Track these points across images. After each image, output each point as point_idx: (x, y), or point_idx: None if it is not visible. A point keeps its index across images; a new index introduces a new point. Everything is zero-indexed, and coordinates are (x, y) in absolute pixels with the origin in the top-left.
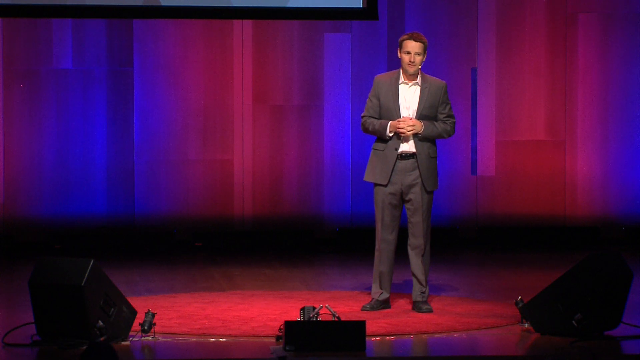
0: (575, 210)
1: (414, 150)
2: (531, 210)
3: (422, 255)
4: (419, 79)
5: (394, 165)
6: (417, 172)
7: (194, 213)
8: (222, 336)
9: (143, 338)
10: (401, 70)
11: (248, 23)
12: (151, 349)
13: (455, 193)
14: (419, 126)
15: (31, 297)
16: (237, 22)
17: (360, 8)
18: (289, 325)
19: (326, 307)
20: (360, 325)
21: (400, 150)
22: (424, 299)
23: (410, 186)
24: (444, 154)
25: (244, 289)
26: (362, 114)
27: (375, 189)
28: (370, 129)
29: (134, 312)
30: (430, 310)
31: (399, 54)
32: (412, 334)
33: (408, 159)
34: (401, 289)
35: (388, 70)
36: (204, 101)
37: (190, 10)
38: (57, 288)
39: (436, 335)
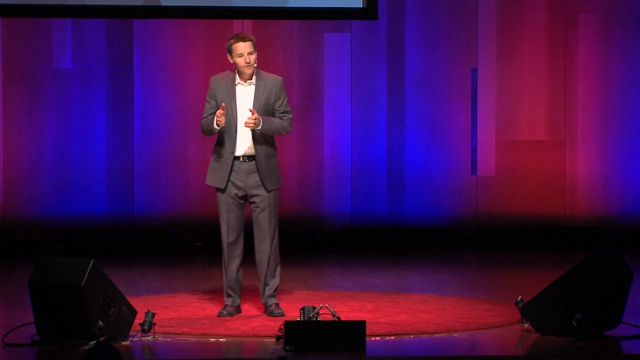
0: (575, 210)
1: (252, 151)
2: (531, 210)
3: (269, 258)
4: (254, 78)
5: (232, 169)
6: (257, 174)
7: (194, 213)
8: (222, 336)
9: (143, 338)
10: (237, 71)
11: (248, 23)
12: (151, 349)
13: (455, 193)
14: (259, 122)
15: (31, 297)
16: (237, 22)
17: (360, 8)
18: (289, 325)
19: (326, 307)
20: (360, 325)
21: (237, 153)
22: (276, 302)
23: (254, 187)
24: (445, 153)
25: (244, 289)
26: (202, 117)
27: (217, 192)
28: (204, 128)
29: (134, 312)
30: (282, 314)
31: (230, 59)
32: (412, 334)
33: (248, 161)
34: (399, 289)
35: (388, 71)
36: (204, 101)
37: (190, 10)
38: (57, 288)
39: (436, 335)
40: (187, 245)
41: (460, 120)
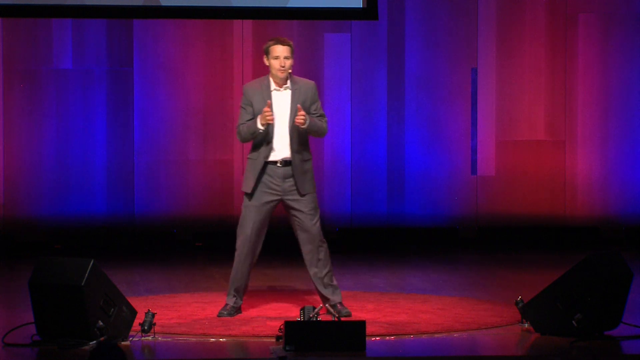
0: (575, 210)
1: (288, 156)
2: (531, 210)
3: (321, 259)
4: (289, 83)
5: (264, 173)
6: (293, 179)
7: (194, 213)
8: (222, 336)
9: (143, 338)
10: (270, 76)
11: (248, 23)
12: (151, 349)
13: (455, 193)
14: (307, 118)
15: (31, 297)
16: (237, 22)
17: (360, 8)
18: (289, 325)
19: (326, 306)
20: (360, 325)
21: (273, 158)
22: (340, 300)
23: (292, 191)
24: (445, 153)
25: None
26: (237, 124)
27: (247, 196)
28: (243, 134)
29: (134, 312)
30: (349, 314)
31: (265, 61)
32: (412, 334)
33: (284, 166)
34: (399, 289)
35: (388, 71)
36: (204, 101)
37: (190, 10)
38: (57, 288)
39: (436, 335)
40: (187, 245)
41: (460, 120)
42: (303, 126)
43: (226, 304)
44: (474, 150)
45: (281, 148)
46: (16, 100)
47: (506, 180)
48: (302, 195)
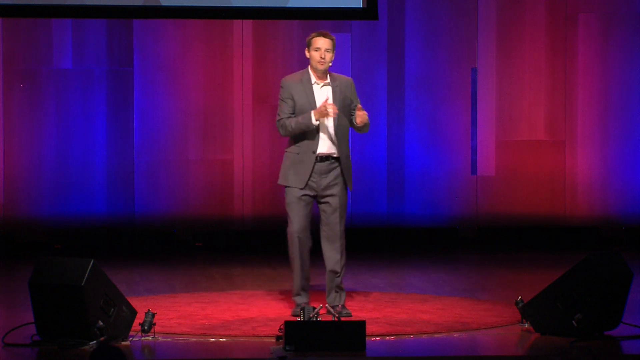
0: (575, 210)
1: (334, 150)
2: (531, 210)
3: (340, 260)
4: (328, 78)
5: (304, 169)
6: (336, 172)
7: (194, 213)
8: (222, 336)
9: (143, 338)
10: (310, 70)
11: (248, 23)
12: (151, 349)
13: (455, 193)
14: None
15: (31, 297)
16: (237, 22)
17: (360, 8)
18: (289, 325)
19: (326, 307)
20: (360, 325)
21: (319, 152)
22: (342, 302)
23: (329, 187)
24: (445, 153)
25: (244, 289)
26: (278, 118)
27: (290, 191)
28: (290, 128)
29: (134, 312)
30: (349, 314)
31: (307, 53)
32: (412, 334)
33: (326, 160)
34: (399, 289)
35: (388, 71)
36: (204, 101)
37: (190, 10)
38: (57, 288)
39: (436, 335)
40: (187, 245)
41: (460, 120)
42: (363, 123)
43: (297, 305)
44: (474, 150)
45: (324, 144)
46: (16, 100)
47: (506, 180)
48: (348, 190)
